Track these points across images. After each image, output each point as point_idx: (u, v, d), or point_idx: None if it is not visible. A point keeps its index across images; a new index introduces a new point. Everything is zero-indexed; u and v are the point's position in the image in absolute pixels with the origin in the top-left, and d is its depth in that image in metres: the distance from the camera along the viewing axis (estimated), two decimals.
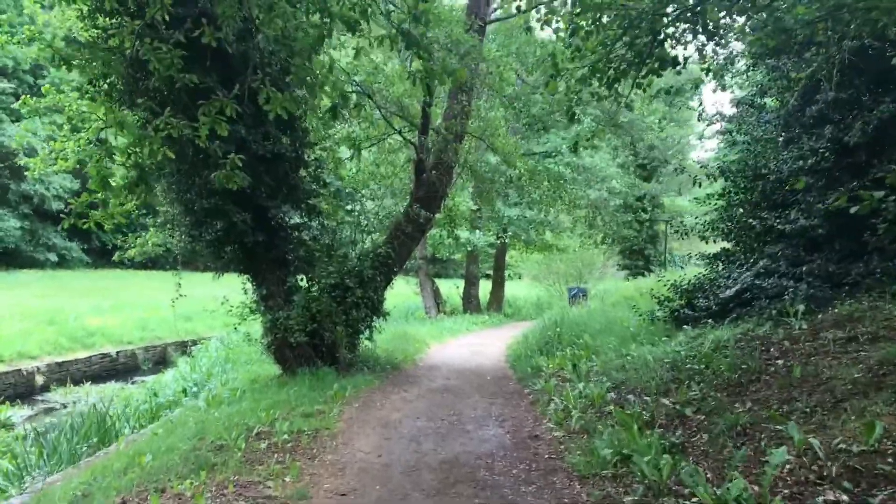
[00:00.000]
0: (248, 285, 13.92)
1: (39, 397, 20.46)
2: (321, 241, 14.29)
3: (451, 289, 37.51)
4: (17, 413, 17.69)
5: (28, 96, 13.15)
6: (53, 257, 50.54)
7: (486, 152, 16.70)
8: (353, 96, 15.23)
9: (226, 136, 11.91)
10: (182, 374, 18.98)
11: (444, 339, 22.72)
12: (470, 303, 34.03)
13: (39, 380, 21.45)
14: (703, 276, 13.36)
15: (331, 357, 13.73)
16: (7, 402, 18.21)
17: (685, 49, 8.17)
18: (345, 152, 16.44)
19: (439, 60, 9.85)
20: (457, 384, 13.40)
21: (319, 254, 14.24)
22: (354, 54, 10.83)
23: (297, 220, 13.37)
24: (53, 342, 23.37)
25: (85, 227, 10.68)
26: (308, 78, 9.68)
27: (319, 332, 13.33)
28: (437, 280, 35.41)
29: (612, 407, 8.86)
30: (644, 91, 8.11)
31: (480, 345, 20.87)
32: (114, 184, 10.37)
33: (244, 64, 11.59)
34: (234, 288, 14.19)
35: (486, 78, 15.07)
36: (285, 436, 8.68)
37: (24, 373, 21.05)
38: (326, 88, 9.79)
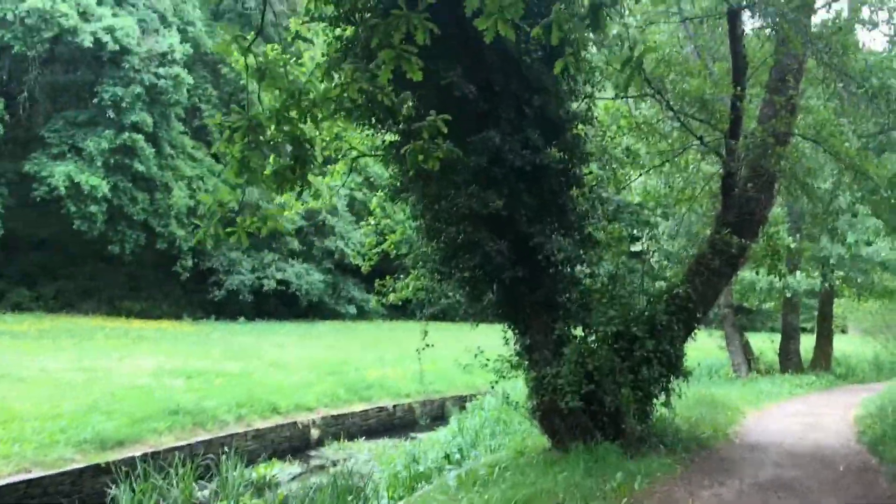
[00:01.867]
0: (509, 334, 11.27)
1: (313, 452, 19.56)
2: (600, 278, 11.27)
3: (764, 343, 31.94)
4: (286, 471, 16.67)
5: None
6: (353, 309, 52.80)
7: (820, 162, 12.58)
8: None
9: (477, 147, 9.65)
10: (453, 431, 16.95)
11: (762, 405, 18.17)
12: (789, 360, 28.43)
13: (315, 433, 20.63)
14: None
15: (614, 428, 10.53)
16: (278, 458, 17.39)
17: None
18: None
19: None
20: (795, 476, 9.45)
21: (598, 295, 11.21)
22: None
23: (568, 251, 10.49)
24: (331, 394, 22.69)
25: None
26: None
27: (598, 394, 10.21)
28: (745, 333, 30.30)
29: None
30: None
31: (813, 415, 16.15)
32: None
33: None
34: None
35: (824, 51, 11.10)
36: None
37: (300, 426, 20.33)
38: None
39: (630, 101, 13.02)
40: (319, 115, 5.59)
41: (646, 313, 11.05)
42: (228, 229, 6.12)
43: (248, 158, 5.39)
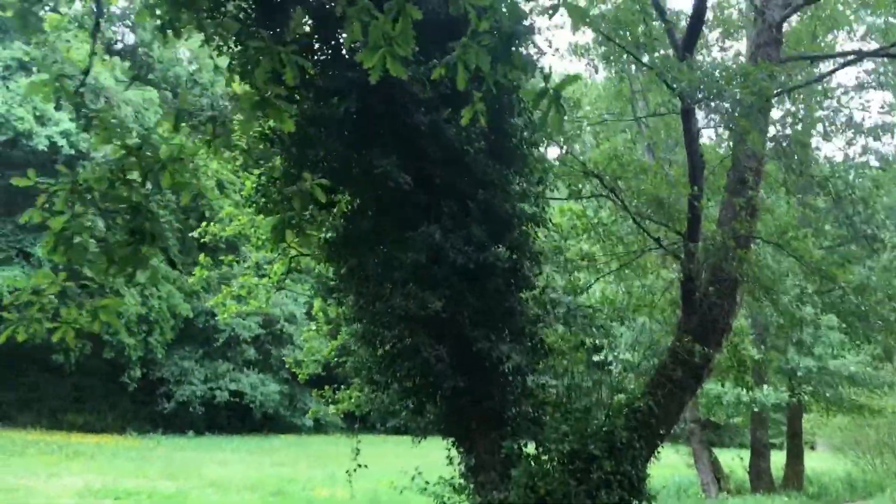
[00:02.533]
0: (454, 452, 10.14)
1: None
2: (554, 389, 10.29)
3: (734, 460, 30.70)
4: None
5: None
6: (309, 422, 50.63)
7: (784, 267, 11.97)
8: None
9: (415, 243, 8.85)
10: None
11: None
12: (759, 479, 27.20)
13: None
14: None
15: None
16: None
17: None
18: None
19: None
20: None
21: (551, 408, 10.21)
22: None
23: (517, 359, 9.53)
24: None
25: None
26: None
27: None
28: (713, 449, 29.10)
29: None
30: None
31: None
32: None
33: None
34: None
35: (782, 149, 10.66)
36: None
37: None
38: None
39: (588, 203, 12.45)
40: (174, 177, 4.68)
41: (604, 429, 10.02)
42: (51, 325, 5.12)
43: (70, 231, 4.46)
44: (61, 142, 35.93)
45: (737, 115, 8.93)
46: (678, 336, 11.09)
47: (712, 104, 9.43)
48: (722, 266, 11.13)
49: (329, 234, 9.49)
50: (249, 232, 11.68)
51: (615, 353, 11.67)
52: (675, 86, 9.42)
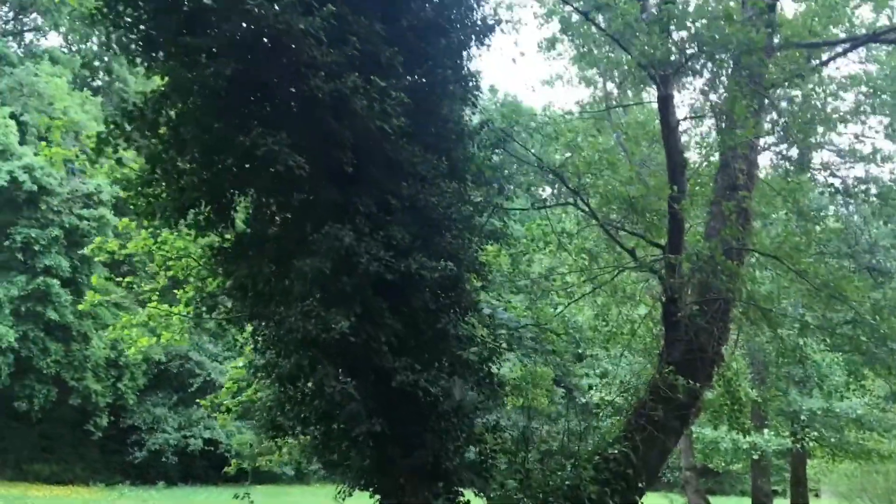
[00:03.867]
0: None
1: None
2: (502, 432, 8.36)
3: None
4: None
5: None
6: (290, 471, 48.06)
7: (783, 284, 10.08)
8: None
9: (318, 246, 7.00)
10: None
11: None
12: None
13: None
14: None
15: None
16: None
17: None
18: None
19: None
20: None
21: (503, 457, 8.27)
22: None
23: (458, 396, 7.64)
24: None
25: None
26: None
27: None
28: (711, 498, 26.94)
29: None
30: None
31: None
32: None
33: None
34: None
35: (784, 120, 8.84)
36: None
37: None
38: None
39: (550, 213, 10.63)
40: None
41: (567, 483, 8.09)
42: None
43: None
44: (23, 177, 34.26)
45: (725, 79, 7.20)
46: (659, 368, 9.21)
47: (692, 77, 7.69)
48: (710, 283, 9.31)
49: (221, 239, 7.67)
50: (154, 249, 9.89)
51: (585, 389, 9.73)
52: (644, 59, 7.71)
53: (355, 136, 7.04)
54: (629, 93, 11.69)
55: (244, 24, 6.36)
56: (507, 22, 9.82)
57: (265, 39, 6.47)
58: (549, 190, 10.78)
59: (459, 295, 7.84)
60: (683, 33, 7.72)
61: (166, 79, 6.78)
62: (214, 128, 6.68)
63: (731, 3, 8.79)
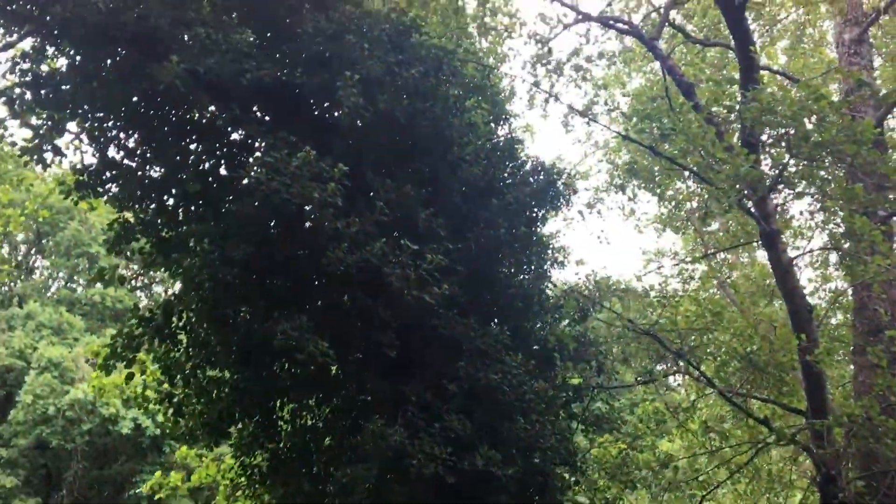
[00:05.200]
0: None
1: None
2: None
3: None
4: None
5: None
6: None
7: None
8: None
9: (365, 440, 5.64)
10: None
11: None
12: None
13: None
14: None
15: None
16: None
17: None
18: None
19: None
20: None
21: None
22: None
23: None
24: None
25: None
26: None
27: None
28: None
29: None
30: None
31: None
32: None
33: None
34: None
35: None
36: None
37: None
38: None
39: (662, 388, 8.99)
40: None
41: None
42: None
43: None
44: (146, 422, 34.90)
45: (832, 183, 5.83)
46: None
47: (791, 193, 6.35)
48: (874, 451, 7.30)
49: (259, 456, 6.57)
50: (219, 478, 8.84)
51: None
52: (727, 186, 6.50)
53: (394, 313, 6.01)
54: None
55: (256, 204, 5.68)
56: (573, 192, 8.88)
57: (275, 219, 5.75)
58: (657, 363, 9.29)
59: (546, 495, 6.28)
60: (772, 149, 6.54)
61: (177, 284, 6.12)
62: (231, 323, 5.83)
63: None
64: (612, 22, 9.63)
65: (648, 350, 8.45)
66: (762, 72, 9.16)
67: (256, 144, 6.53)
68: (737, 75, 9.04)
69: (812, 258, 9.58)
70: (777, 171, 6.48)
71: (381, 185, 6.12)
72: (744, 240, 9.60)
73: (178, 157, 6.39)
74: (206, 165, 6.47)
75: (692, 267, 10.44)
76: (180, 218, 6.36)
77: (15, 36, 6.21)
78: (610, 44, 17.27)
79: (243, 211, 5.63)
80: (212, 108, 6.41)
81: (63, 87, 5.94)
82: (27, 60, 6.01)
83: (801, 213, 8.79)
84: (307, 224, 5.77)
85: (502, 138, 8.77)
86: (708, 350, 7.93)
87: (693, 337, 7.82)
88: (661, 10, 9.38)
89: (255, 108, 6.68)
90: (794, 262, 7.97)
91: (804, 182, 6.47)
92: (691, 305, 8.18)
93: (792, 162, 6.31)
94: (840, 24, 9.84)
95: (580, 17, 9.68)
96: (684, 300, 8.65)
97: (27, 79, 5.92)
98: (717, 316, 7.59)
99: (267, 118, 6.61)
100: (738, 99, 6.90)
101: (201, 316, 5.97)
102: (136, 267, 7.17)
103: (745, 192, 6.61)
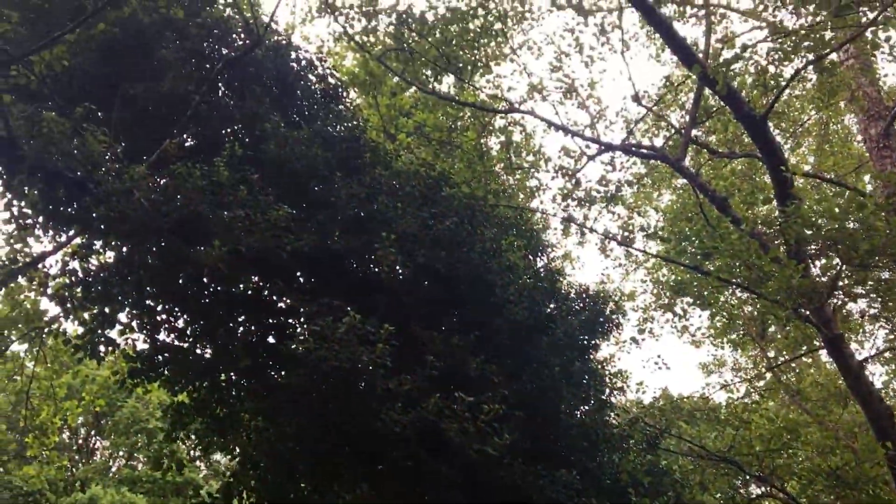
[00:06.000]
0: None
1: None
2: None
3: None
4: None
5: None
6: None
7: None
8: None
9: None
10: None
11: None
12: None
13: None
14: None
15: None
16: None
17: None
18: None
19: None
20: None
21: None
22: None
23: None
24: None
25: None
26: None
27: None
28: None
29: None
30: None
31: None
32: None
33: None
34: None
35: None
36: None
37: None
38: None
39: None
40: None
41: None
42: None
43: None
44: None
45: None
46: None
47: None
48: None
49: None
50: None
51: None
52: (779, 297, 6.34)
53: (458, 469, 5.80)
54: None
55: (306, 373, 5.65)
56: (617, 325, 8.77)
57: (326, 386, 5.69)
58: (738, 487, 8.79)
59: None
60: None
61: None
62: (292, 501, 5.67)
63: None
64: (634, 149, 9.77)
65: (728, 475, 8.02)
66: (794, 174, 9.15)
67: (302, 310, 6.57)
68: (767, 179, 9.03)
69: (882, 358, 9.15)
70: (830, 279, 6.33)
71: (428, 338, 6.08)
72: (805, 344, 9.25)
73: (226, 333, 6.46)
74: (254, 338, 6.52)
75: (758, 381, 10.06)
76: (233, 393, 6.36)
77: (64, 237, 6.49)
78: (635, 166, 17.57)
79: (294, 381, 5.60)
80: (255, 278, 6.55)
81: (112, 279, 6.13)
82: (76, 258, 6.26)
83: (862, 313, 8.52)
84: (360, 386, 5.70)
85: (543, 270, 8.80)
86: (790, 468, 7.47)
87: (771, 457, 7.39)
88: (682, 132, 9.49)
89: (297, 275, 6.80)
90: (864, 365, 7.63)
91: (859, 287, 6.29)
92: (762, 420, 7.80)
93: (844, 267, 6.17)
94: (863, 119, 9.87)
95: (603, 147, 9.83)
96: (755, 416, 8.29)
97: (77, 276, 6.13)
98: (793, 433, 7.22)
99: (309, 285, 6.70)
100: (777, 215, 6.85)
101: (261, 496, 5.83)
102: (193, 450, 7.07)
103: (801, 301, 6.44)
